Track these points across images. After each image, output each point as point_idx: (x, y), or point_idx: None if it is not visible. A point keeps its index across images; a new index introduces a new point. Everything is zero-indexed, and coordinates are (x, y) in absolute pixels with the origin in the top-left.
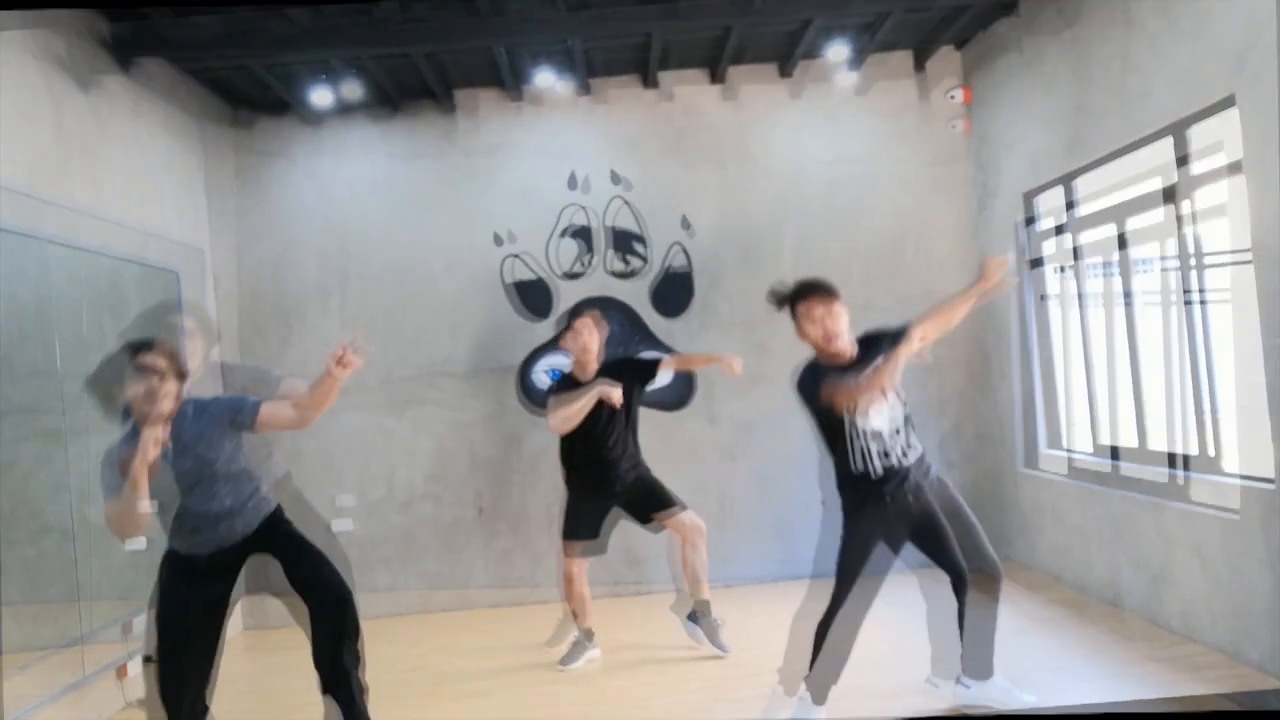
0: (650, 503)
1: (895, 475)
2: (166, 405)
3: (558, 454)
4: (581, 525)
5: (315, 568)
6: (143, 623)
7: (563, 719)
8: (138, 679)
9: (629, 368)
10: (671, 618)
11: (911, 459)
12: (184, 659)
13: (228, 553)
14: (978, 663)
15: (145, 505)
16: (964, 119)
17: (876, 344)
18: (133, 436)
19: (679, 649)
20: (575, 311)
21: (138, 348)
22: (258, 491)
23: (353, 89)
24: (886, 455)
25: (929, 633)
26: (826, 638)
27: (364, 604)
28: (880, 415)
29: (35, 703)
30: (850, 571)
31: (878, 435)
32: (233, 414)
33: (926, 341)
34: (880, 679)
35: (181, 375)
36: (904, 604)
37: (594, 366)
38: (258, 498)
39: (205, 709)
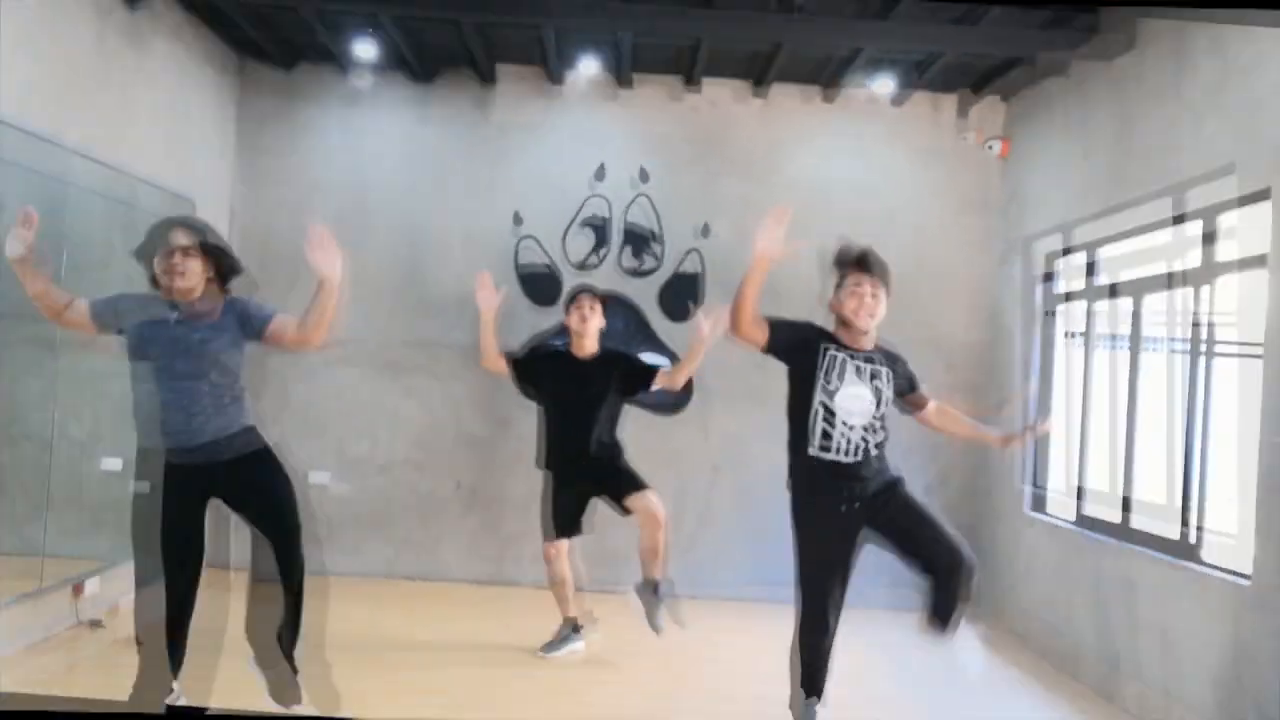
0: (623, 487)
1: (852, 471)
2: (184, 282)
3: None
4: (564, 522)
5: (281, 504)
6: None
7: (501, 703)
8: (91, 600)
9: (626, 367)
10: (635, 618)
11: (874, 465)
12: (166, 577)
13: (202, 471)
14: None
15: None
16: (1002, 140)
17: (896, 362)
18: (148, 299)
19: (637, 653)
20: (580, 290)
21: (172, 223)
22: (240, 405)
23: (395, 47)
24: (846, 446)
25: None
26: (801, 657)
27: (329, 559)
28: (856, 399)
29: None
30: (811, 579)
31: (848, 422)
32: (243, 317)
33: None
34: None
35: (213, 258)
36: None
37: (591, 347)
38: (239, 412)
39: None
